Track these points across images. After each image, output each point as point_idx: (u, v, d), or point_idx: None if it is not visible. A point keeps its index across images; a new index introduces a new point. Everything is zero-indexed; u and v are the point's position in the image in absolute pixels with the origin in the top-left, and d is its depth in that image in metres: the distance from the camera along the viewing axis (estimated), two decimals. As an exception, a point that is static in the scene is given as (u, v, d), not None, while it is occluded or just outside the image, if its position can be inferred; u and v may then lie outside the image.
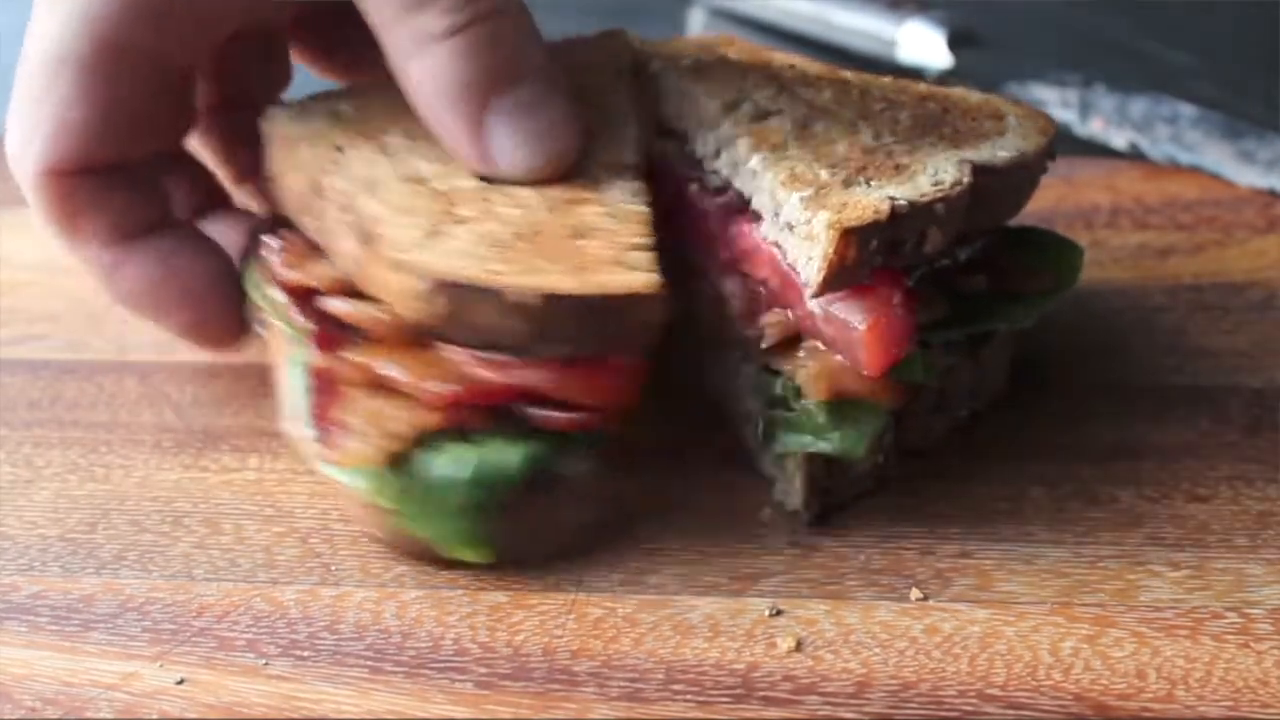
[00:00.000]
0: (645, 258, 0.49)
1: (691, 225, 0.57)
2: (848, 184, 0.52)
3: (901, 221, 0.50)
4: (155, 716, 0.47)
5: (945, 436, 0.58)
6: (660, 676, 0.48)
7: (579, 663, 0.49)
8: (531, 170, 0.53)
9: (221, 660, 0.49)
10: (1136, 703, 0.47)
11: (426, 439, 0.49)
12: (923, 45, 0.89)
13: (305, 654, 0.49)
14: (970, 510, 0.55)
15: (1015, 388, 0.62)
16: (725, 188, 0.56)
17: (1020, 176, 0.56)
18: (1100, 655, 0.49)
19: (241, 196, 0.63)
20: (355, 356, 0.51)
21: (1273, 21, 0.98)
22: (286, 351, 0.54)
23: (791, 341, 0.54)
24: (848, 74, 0.62)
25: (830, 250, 0.49)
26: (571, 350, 0.49)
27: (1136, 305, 0.68)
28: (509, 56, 0.52)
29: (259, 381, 0.60)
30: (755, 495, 0.56)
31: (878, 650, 0.49)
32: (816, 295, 0.51)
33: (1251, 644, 0.49)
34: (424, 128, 0.54)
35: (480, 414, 0.49)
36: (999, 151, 0.55)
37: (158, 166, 0.58)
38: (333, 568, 0.53)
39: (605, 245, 0.50)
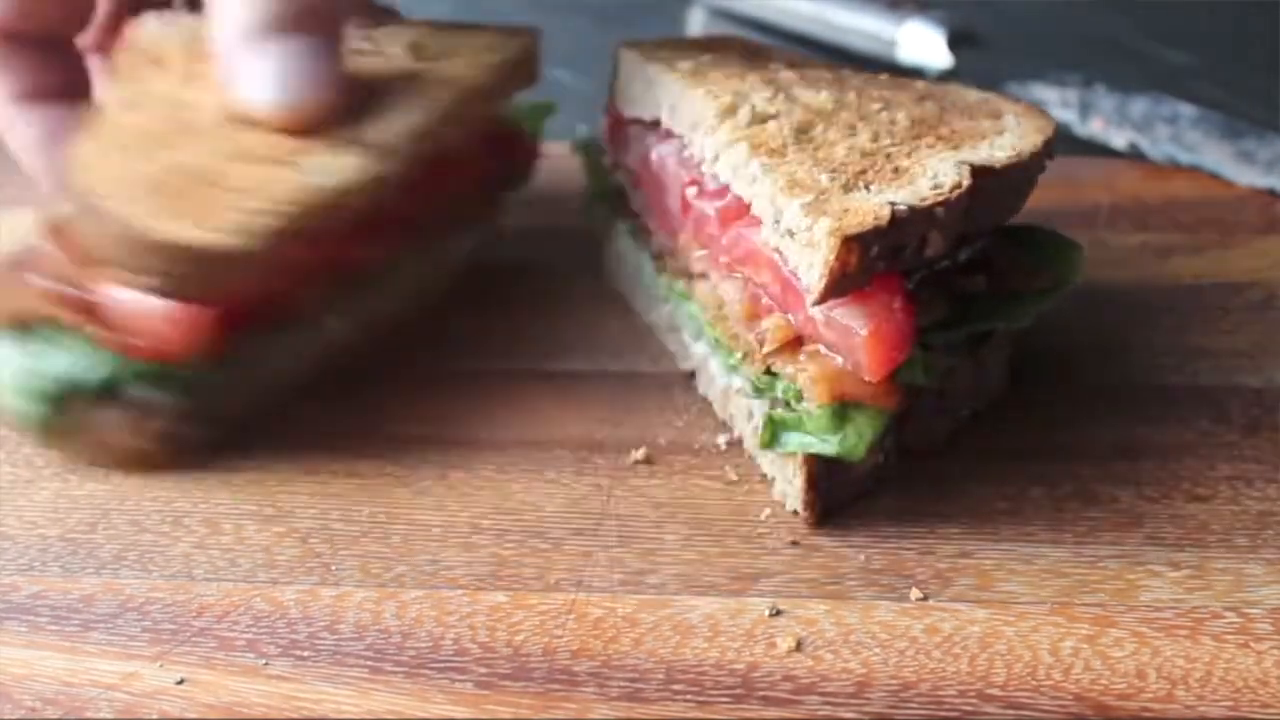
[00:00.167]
0: (252, 223, 0.52)
1: (691, 227, 0.57)
2: (847, 189, 0.52)
3: (902, 226, 0.50)
4: (155, 716, 0.47)
5: (945, 436, 0.58)
6: (660, 676, 0.48)
7: (579, 663, 0.49)
8: (273, 111, 0.55)
9: (221, 660, 0.49)
10: (1136, 703, 0.47)
11: (34, 324, 0.56)
12: (923, 45, 0.89)
13: (305, 654, 0.49)
14: (970, 510, 0.55)
15: (1015, 388, 0.62)
16: (724, 191, 0.56)
17: (1019, 176, 0.56)
18: (1100, 655, 0.49)
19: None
20: None
21: (1273, 21, 0.98)
22: None
23: (792, 345, 0.54)
24: (845, 73, 0.62)
25: (831, 257, 0.49)
26: (159, 287, 0.54)
27: (1136, 305, 0.68)
28: (295, 9, 0.55)
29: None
30: (755, 495, 0.56)
31: (878, 650, 0.49)
32: (818, 303, 0.51)
33: (1251, 644, 0.49)
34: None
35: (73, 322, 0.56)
36: (997, 151, 0.55)
37: (67, 47, 0.64)
38: (333, 568, 0.53)
39: (234, 204, 0.53)
